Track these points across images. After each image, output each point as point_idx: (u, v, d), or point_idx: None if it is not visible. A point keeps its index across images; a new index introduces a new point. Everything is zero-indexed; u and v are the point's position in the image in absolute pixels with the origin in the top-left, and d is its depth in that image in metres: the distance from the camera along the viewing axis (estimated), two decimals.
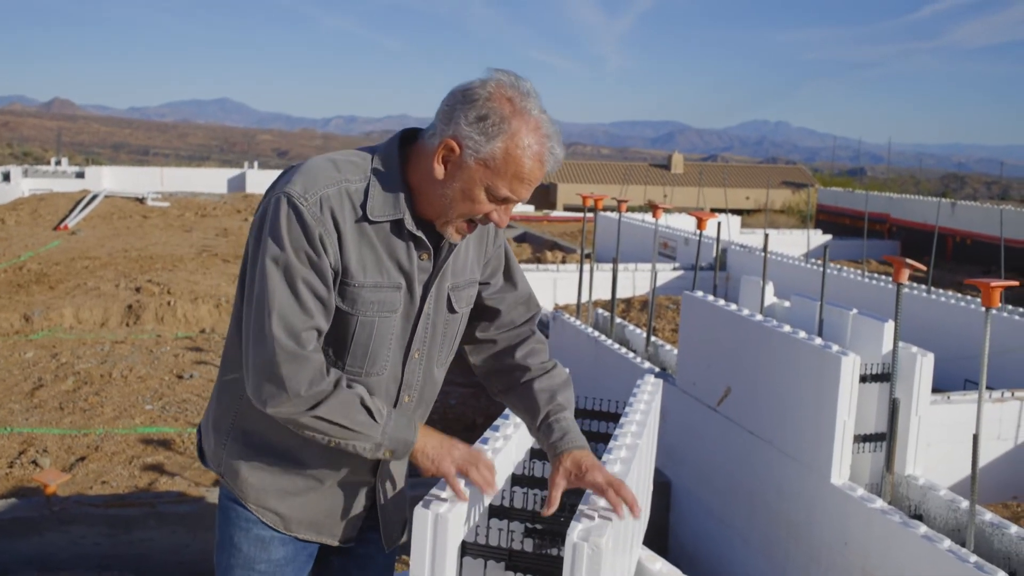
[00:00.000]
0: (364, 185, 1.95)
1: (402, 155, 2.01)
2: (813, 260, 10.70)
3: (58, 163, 28.48)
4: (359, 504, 2.17)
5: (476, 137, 1.88)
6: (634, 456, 2.39)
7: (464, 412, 7.10)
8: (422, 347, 2.10)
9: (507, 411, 2.53)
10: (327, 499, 2.12)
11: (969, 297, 8.16)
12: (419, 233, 1.99)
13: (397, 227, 1.99)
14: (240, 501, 2.12)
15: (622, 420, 2.69)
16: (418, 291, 2.04)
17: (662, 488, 5.12)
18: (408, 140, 2.03)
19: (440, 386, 2.27)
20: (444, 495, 1.95)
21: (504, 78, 1.91)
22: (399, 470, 2.25)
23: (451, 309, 2.12)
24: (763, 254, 6.05)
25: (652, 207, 7.65)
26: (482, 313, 2.27)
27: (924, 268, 3.84)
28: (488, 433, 2.44)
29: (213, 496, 4.48)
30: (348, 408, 1.93)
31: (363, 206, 1.94)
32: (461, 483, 1.96)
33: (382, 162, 1.99)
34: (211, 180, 27.89)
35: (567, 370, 2.33)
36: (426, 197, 1.98)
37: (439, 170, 1.93)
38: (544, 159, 1.92)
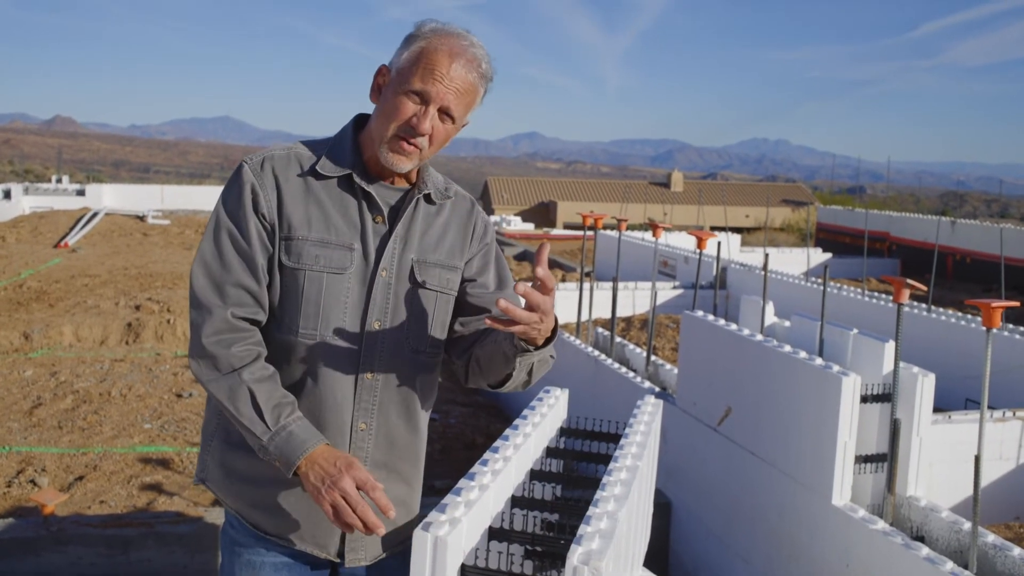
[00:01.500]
0: (319, 152, 2.06)
1: (356, 129, 2.12)
2: (813, 279, 10.71)
3: (59, 181, 28.54)
4: None
5: (397, 54, 2.01)
6: (634, 478, 2.38)
7: (463, 431, 7.09)
8: (383, 318, 2.05)
9: (507, 432, 2.51)
10: (303, 501, 2.04)
11: (969, 316, 8.15)
12: (370, 189, 2.04)
13: (349, 184, 2.05)
14: (229, 513, 2.10)
15: (622, 441, 2.67)
16: (372, 254, 2.03)
17: (663, 508, 5.10)
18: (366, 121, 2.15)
19: (419, 377, 2.14)
20: (443, 518, 1.94)
21: (448, 23, 2.01)
22: (379, 479, 2.19)
23: (415, 282, 2.08)
24: (763, 273, 6.05)
25: (652, 226, 7.65)
26: (472, 313, 2.21)
27: (924, 288, 3.84)
28: (488, 455, 2.42)
29: (211, 516, 4.46)
30: (236, 395, 1.91)
31: (314, 166, 2.03)
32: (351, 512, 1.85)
33: (338, 135, 2.12)
34: (212, 198, 27.93)
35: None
36: (370, 138, 2.06)
37: (375, 96, 2.05)
38: (455, 54, 1.96)
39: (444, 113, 1.98)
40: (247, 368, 1.93)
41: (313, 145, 2.09)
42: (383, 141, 1.99)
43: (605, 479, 2.32)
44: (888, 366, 3.93)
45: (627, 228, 10.43)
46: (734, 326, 4.69)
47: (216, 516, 4.46)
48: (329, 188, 2.03)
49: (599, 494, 2.21)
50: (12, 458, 6.10)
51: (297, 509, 2.06)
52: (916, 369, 3.96)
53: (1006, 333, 7.32)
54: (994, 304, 3.38)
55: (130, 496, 5.53)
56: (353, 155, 2.05)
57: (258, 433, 1.90)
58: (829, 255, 18.28)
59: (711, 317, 4.89)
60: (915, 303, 8.82)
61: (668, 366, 6.09)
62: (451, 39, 1.97)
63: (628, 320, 11.02)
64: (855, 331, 4.16)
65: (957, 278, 17.93)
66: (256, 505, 2.07)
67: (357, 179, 2.03)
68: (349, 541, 2.10)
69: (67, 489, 5.58)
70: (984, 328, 3.48)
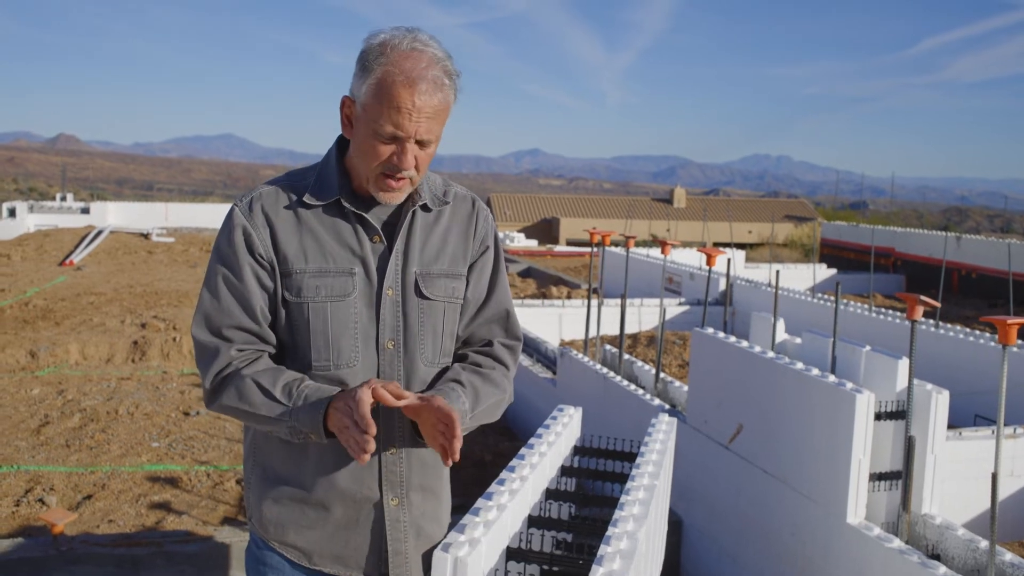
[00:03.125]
0: (307, 181, 2.04)
1: (340, 151, 2.07)
2: (820, 295, 10.69)
3: (63, 199, 28.63)
4: (375, 534, 2.09)
5: (357, 84, 1.93)
6: (652, 497, 2.36)
7: (472, 449, 7.06)
8: (395, 336, 2.04)
9: (523, 451, 2.50)
10: (342, 529, 2.07)
11: (978, 332, 8.13)
12: (360, 211, 2.02)
13: (340, 209, 2.02)
14: (265, 543, 2.09)
15: (638, 460, 2.66)
16: (375, 275, 2.02)
17: (674, 527, 5.07)
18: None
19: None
20: (463, 538, 1.93)
21: (397, 31, 1.92)
22: (418, 501, 2.19)
23: (421, 295, 2.06)
24: (772, 289, 6.04)
25: (661, 243, 7.64)
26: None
27: (937, 304, 3.83)
28: (504, 474, 2.41)
29: (221, 535, 4.44)
30: (244, 392, 1.93)
31: (302, 197, 2.01)
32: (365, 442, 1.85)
33: (323, 160, 2.09)
34: (215, 215, 28.04)
35: (507, 393, 2.22)
36: (355, 170, 2.03)
37: (347, 130, 2.00)
38: (415, 81, 1.85)
39: (421, 141, 1.93)
40: (246, 367, 1.96)
41: (300, 174, 2.07)
42: (369, 180, 1.97)
43: (623, 498, 2.31)
44: (901, 383, 3.91)
45: (634, 245, 10.43)
46: (745, 343, 4.68)
47: (226, 535, 4.44)
48: (320, 216, 2.01)
49: (618, 513, 2.20)
50: (20, 477, 6.09)
51: (337, 539, 2.07)
52: (930, 386, 3.94)
53: (1015, 348, 7.30)
54: (1010, 321, 3.36)
55: (139, 515, 5.51)
56: (340, 179, 2.02)
57: (278, 415, 1.91)
58: (834, 271, 18.28)
59: (721, 334, 4.87)
60: (922, 319, 8.80)
61: (677, 383, 6.07)
62: (405, 63, 1.87)
63: (634, 337, 11.00)
64: (867, 348, 4.14)
65: (962, 293, 17.91)
66: (298, 539, 2.08)
67: (346, 204, 2.01)
68: (393, 568, 2.10)
69: (75, 508, 5.56)
70: (1000, 345, 3.46)
